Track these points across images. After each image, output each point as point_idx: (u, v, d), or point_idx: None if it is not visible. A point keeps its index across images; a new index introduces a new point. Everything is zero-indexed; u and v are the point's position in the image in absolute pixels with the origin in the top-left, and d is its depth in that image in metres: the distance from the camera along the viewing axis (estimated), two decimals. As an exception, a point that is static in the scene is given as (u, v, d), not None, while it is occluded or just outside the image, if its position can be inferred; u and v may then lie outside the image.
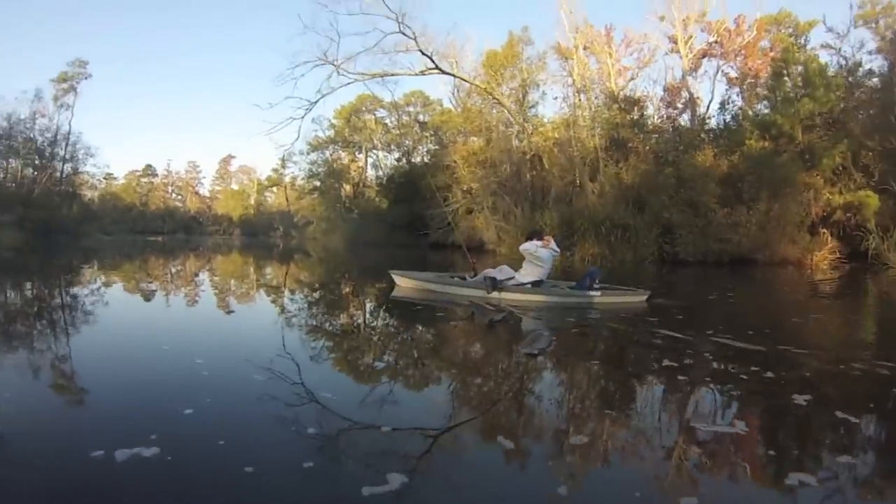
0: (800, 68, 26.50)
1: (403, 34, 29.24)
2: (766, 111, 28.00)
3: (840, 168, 24.87)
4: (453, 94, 46.19)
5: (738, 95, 32.81)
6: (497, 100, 33.02)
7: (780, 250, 23.63)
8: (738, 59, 33.47)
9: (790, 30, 33.22)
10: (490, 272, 9.41)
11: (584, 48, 32.21)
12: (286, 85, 60.44)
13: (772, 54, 31.29)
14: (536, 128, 34.45)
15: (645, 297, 9.21)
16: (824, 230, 24.32)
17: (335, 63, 30.17)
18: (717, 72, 34.31)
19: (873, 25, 31.04)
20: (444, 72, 31.10)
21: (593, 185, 28.81)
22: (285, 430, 3.10)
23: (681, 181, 25.60)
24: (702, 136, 28.86)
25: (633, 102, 31.88)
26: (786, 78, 26.70)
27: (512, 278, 9.21)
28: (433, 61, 30.19)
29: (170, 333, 6.27)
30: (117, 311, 8.34)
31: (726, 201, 24.54)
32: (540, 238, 9.54)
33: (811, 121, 24.90)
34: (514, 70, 34.45)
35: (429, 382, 4.54)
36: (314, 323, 7.63)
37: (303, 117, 32.83)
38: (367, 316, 8.70)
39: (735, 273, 20.40)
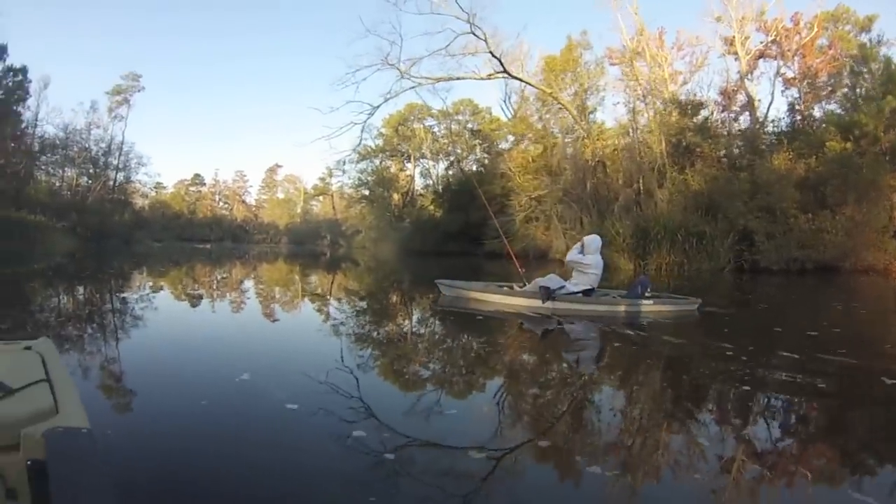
0: (875, 66, 25.90)
1: (474, 34, 28.53)
2: (839, 111, 27.38)
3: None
4: (505, 101, 45.77)
5: (797, 96, 31.73)
6: (562, 105, 32.47)
7: (866, 257, 22.82)
8: (795, 58, 32.26)
9: (849, 26, 31.94)
10: (540, 281, 9.17)
11: (638, 52, 31.51)
12: (344, 90, 59.45)
13: (831, 52, 30.46)
14: (598, 134, 33.75)
15: (696, 306, 9.19)
16: None
17: (400, 67, 29.89)
18: (777, 72, 33.15)
19: None
20: (511, 75, 30.42)
21: (661, 192, 28.01)
22: (342, 447, 3.00)
23: (756, 186, 24.83)
24: (780, 138, 27.87)
25: (697, 106, 31.03)
26: (866, 75, 26.00)
27: (563, 287, 8.97)
28: (502, 64, 29.46)
29: (217, 345, 6.11)
30: (166, 318, 8.20)
31: (806, 206, 23.71)
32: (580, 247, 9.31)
33: (893, 120, 23.80)
34: (574, 75, 34.00)
35: (486, 397, 4.38)
36: (364, 334, 7.42)
37: (365, 122, 32.69)
38: (418, 327, 8.39)
39: (821, 282, 19.75)
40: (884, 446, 3.37)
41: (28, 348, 1.76)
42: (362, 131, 34.98)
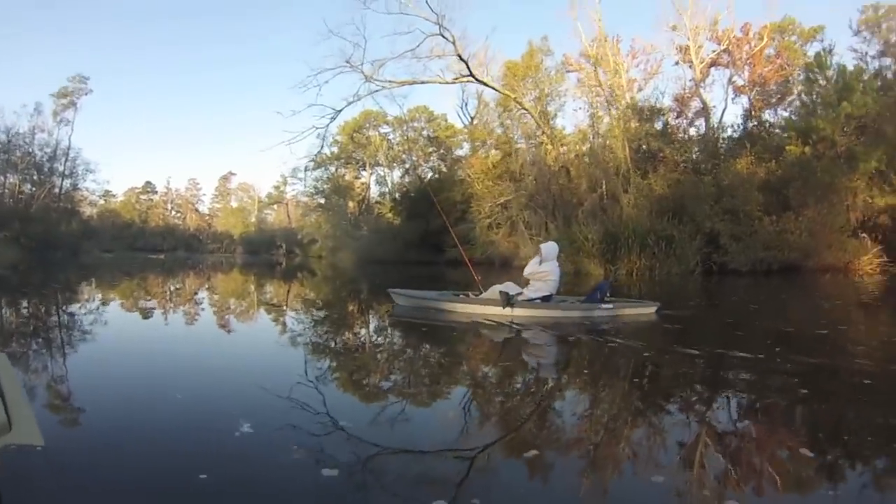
0: (829, 73, 26.82)
1: (443, 36, 27.95)
2: (793, 117, 28.45)
3: (876, 172, 24.67)
4: (462, 107, 45.51)
5: (748, 103, 33.02)
6: (526, 110, 32.21)
7: (827, 256, 23.63)
8: (746, 67, 33.39)
9: (794, 37, 33.79)
10: (497, 288, 8.97)
11: (600, 59, 31.70)
12: (305, 94, 58.15)
13: (779, 61, 31.98)
14: (561, 139, 33.79)
15: (654, 309, 9.24)
16: (863, 234, 24.39)
17: (364, 70, 29.14)
18: (731, 80, 34.29)
19: (876, 30, 32.11)
20: (478, 79, 29.80)
21: (626, 197, 28.03)
22: (312, 461, 2.86)
23: (720, 190, 25.42)
24: (742, 142, 28.82)
25: (657, 112, 31.80)
26: (822, 82, 26.89)
27: (520, 293, 8.82)
28: (468, 68, 28.91)
29: (171, 358, 5.78)
30: (117, 332, 7.75)
31: (769, 208, 24.35)
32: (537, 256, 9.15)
33: (848, 125, 24.81)
34: (535, 80, 33.82)
35: (452, 403, 4.33)
36: (321, 344, 7.19)
37: (327, 126, 31.77)
38: (374, 337, 8.09)
39: (786, 281, 20.08)
40: (848, 443, 3.33)
41: None
42: (325, 136, 34.00)
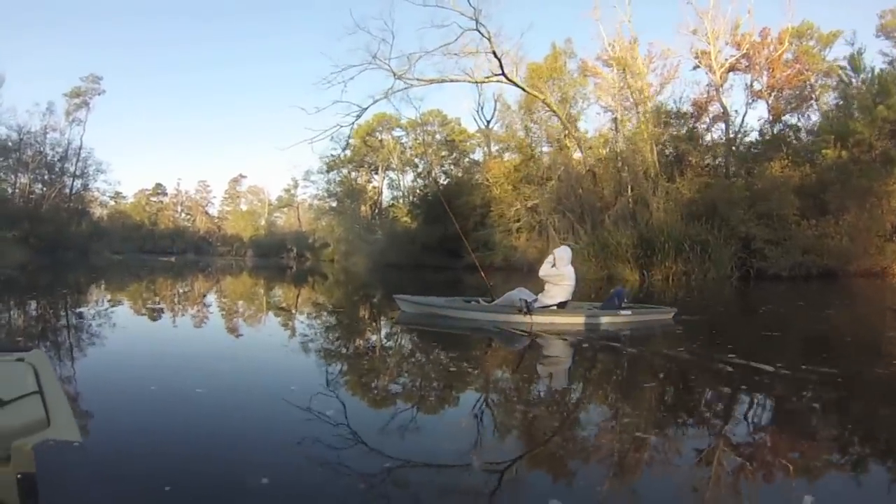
0: (862, 75, 27.14)
1: (479, 31, 27.07)
2: (824, 121, 28.06)
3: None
4: (478, 110, 45.06)
5: (767, 107, 32.72)
6: (554, 113, 31.54)
7: (866, 261, 23.45)
8: (764, 72, 33.12)
9: (812, 41, 33.38)
10: (512, 295, 8.79)
11: (611, 64, 31.50)
12: (329, 91, 57.38)
13: (798, 66, 31.71)
14: (587, 142, 33.26)
15: (671, 315, 9.20)
16: None
17: (392, 67, 28.36)
18: (750, 85, 33.96)
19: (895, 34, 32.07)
20: (508, 79, 28.89)
21: (655, 201, 27.49)
22: (334, 475, 2.83)
23: (754, 194, 25.16)
24: (777, 144, 28.64)
25: (681, 116, 31.83)
26: (856, 84, 27.17)
27: (535, 300, 8.64)
28: (501, 66, 28.00)
29: (192, 362, 5.90)
30: (127, 337, 7.68)
31: (805, 212, 24.26)
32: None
33: (883, 128, 24.61)
34: (558, 83, 33.49)
35: (472, 414, 4.18)
36: (334, 351, 7.08)
37: (353, 123, 31.03)
38: (388, 342, 8.03)
39: (825, 287, 20.18)
40: (869, 450, 3.40)
41: (21, 360, 1.66)
42: (349, 133, 34.99)
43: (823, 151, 24.99)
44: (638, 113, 30.41)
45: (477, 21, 26.63)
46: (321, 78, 29.49)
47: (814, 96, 31.42)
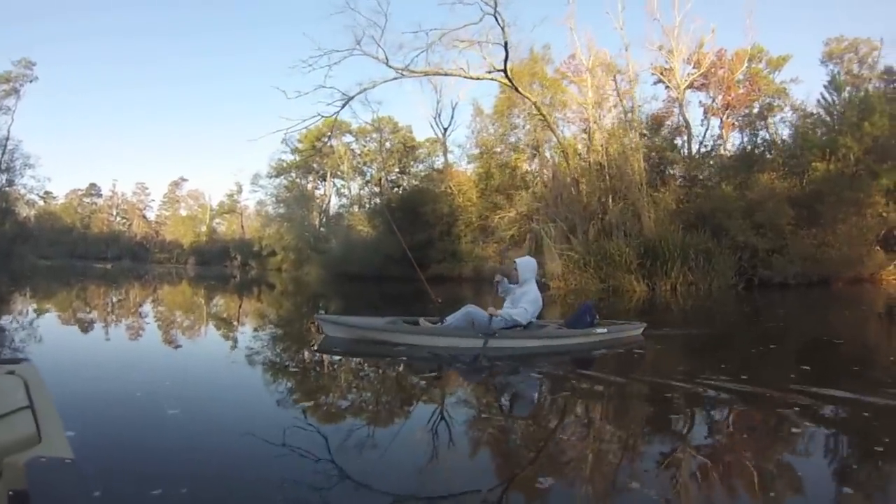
0: (845, 94, 28.74)
1: (495, 18, 25.30)
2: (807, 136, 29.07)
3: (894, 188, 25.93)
4: (436, 118, 44.87)
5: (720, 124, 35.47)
6: (544, 118, 30.33)
7: (859, 268, 24.76)
8: (719, 91, 35.23)
9: (762, 64, 36.26)
10: (462, 313, 7.54)
11: (568, 77, 32.32)
12: (303, 79, 55.25)
13: (749, 86, 34.55)
14: (574, 149, 32.40)
15: (641, 330, 8.70)
16: (878, 248, 25.92)
17: (379, 56, 26.56)
18: (713, 101, 35.77)
19: (839, 61, 36.31)
20: (508, 77, 27.33)
21: (647, 210, 27.08)
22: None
23: (749, 204, 25.64)
24: (774, 156, 29.52)
25: (659, 125, 33.22)
26: (838, 103, 28.63)
27: (494, 319, 7.40)
28: (507, 60, 26.38)
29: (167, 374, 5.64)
30: (49, 350, 7.10)
31: (799, 222, 25.19)
32: (506, 275, 8.11)
33: (869, 144, 25.84)
34: (538, 88, 33.05)
35: (450, 447, 3.74)
36: (281, 367, 6.51)
37: (336, 113, 28.61)
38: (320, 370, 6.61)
39: (823, 294, 21.15)
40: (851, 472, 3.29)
41: (11, 372, 1.63)
42: (332, 126, 33.13)
43: (814, 164, 26.13)
44: (626, 120, 30.20)
45: (496, 7, 25.03)
46: (301, 60, 26.96)
47: (764, 115, 34.01)
